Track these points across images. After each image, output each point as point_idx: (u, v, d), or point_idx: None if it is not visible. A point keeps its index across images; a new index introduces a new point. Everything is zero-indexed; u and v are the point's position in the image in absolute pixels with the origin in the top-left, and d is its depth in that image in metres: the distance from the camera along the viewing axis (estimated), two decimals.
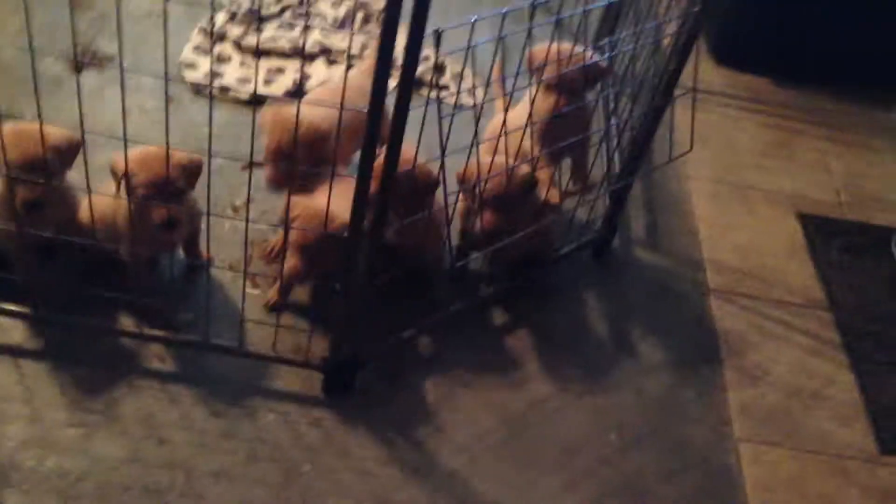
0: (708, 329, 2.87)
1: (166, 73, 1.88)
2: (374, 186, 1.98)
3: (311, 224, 2.24)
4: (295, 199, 2.27)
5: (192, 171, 2.29)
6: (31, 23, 1.80)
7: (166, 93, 2.00)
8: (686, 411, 2.60)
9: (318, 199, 2.29)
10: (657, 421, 2.55)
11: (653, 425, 2.54)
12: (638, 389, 2.63)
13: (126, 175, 2.18)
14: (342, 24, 3.92)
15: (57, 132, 2.23)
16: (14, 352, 2.34)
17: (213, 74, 3.45)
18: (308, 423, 2.35)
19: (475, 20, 1.99)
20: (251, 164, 2.22)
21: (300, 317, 2.61)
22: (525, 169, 2.47)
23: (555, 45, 2.40)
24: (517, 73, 2.27)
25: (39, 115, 1.99)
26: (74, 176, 2.45)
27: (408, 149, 2.04)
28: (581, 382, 2.61)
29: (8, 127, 2.16)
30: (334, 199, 2.09)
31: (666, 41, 2.68)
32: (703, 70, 3.95)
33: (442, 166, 2.19)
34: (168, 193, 2.22)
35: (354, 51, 3.73)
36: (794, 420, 2.62)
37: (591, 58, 2.58)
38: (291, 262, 2.30)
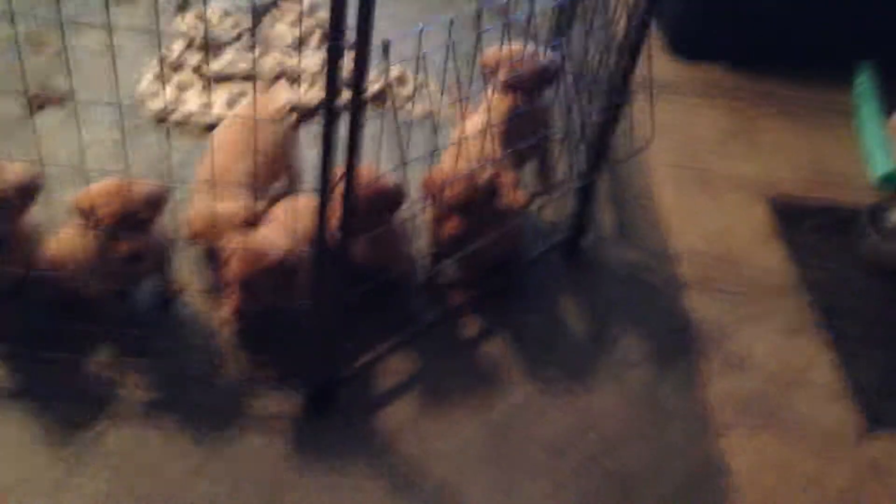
0: (684, 320, 2.88)
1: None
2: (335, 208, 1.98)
3: (248, 258, 2.23)
4: (233, 234, 2.27)
5: (155, 202, 2.27)
6: None
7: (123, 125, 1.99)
8: (668, 404, 2.60)
9: (255, 233, 2.29)
10: (640, 416, 2.55)
11: (636, 421, 2.54)
12: (619, 386, 2.63)
13: (89, 209, 2.17)
14: (301, 44, 3.92)
15: (16, 168, 2.21)
16: None
17: (175, 103, 3.44)
18: (292, 445, 2.33)
19: (423, 28, 1.99)
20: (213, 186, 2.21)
21: (277, 338, 2.59)
22: (487, 173, 2.47)
23: (506, 46, 2.40)
24: (472, 79, 2.28)
25: None
26: (39, 213, 2.44)
27: (368, 165, 2.04)
28: (561, 383, 2.61)
29: None
30: (272, 230, 2.09)
31: (618, 36, 2.69)
32: (658, 64, 3.97)
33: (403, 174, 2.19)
34: (131, 226, 2.20)
35: (315, 69, 3.72)
36: (776, 404, 2.63)
37: (543, 57, 2.59)
38: (233, 297, 2.28)
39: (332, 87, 1.82)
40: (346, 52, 1.77)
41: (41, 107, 3.29)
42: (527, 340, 2.72)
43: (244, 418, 2.37)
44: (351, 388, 2.47)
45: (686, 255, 3.11)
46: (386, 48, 1.94)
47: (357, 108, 1.87)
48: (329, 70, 1.80)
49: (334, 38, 1.77)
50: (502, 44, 2.34)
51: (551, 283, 2.93)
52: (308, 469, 2.28)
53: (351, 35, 1.75)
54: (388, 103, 3.34)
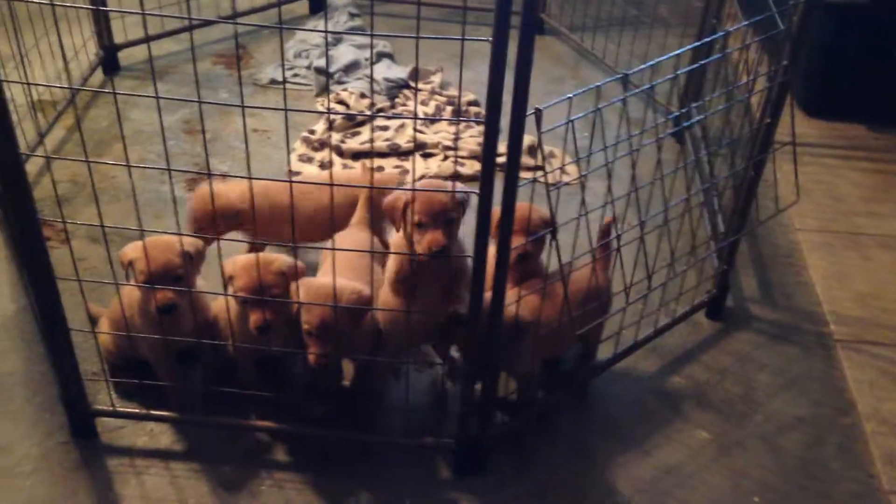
0: (838, 380, 2.79)
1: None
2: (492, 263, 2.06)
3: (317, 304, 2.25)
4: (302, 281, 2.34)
5: (292, 277, 2.36)
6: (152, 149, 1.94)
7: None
8: (829, 466, 2.51)
9: (321, 280, 2.34)
10: (800, 479, 2.47)
11: (796, 484, 2.46)
12: (775, 447, 2.56)
13: (228, 279, 2.31)
14: (433, 119, 4.10)
15: (186, 240, 2.38)
16: (164, 455, 2.45)
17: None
18: None
19: (572, 96, 2.08)
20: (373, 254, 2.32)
21: (426, 400, 2.65)
22: None
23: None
24: (615, 144, 2.33)
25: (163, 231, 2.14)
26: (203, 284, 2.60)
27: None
28: (713, 444, 2.56)
29: (144, 240, 2.30)
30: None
31: (755, 98, 2.71)
32: (795, 123, 3.95)
33: (553, 237, 2.24)
34: (266, 298, 2.27)
35: (448, 142, 3.87)
36: None
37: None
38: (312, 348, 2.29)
39: (490, 149, 1.91)
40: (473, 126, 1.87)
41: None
42: (672, 400, 2.70)
43: (400, 480, 2.42)
44: (499, 447, 2.49)
45: (836, 315, 3.02)
46: (538, 117, 2.03)
47: (514, 172, 1.95)
48: (487, 138, 1.90)
49: (492, 109, 1.87)
50: (646, 110, 2.39)
51: (696, 342, 2.91)
52: None
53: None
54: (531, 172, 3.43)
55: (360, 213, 2.78)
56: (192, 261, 2.39)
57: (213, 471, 2.41)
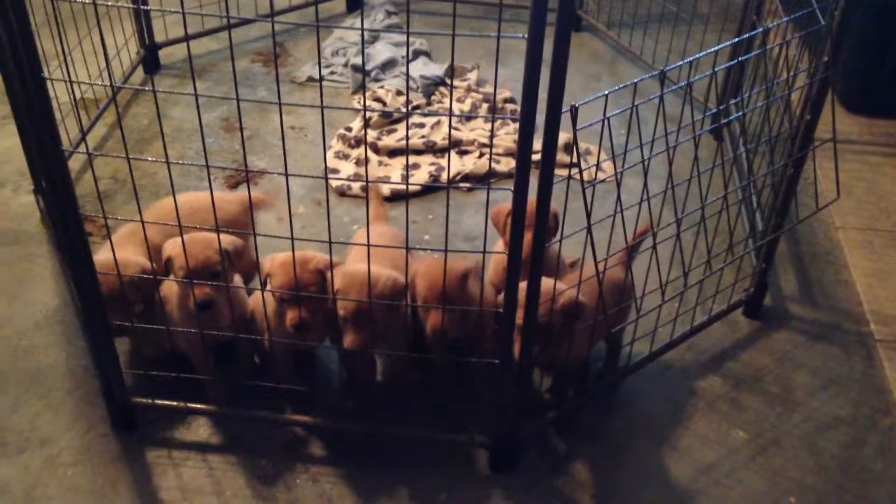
0: (879, 381, 2.75)
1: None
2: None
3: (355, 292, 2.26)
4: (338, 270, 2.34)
5: (324, 276, 2.36)
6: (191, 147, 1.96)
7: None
8: (869, 467, 2.47)
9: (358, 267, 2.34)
10: (839, 479, 2.44)
11: (834, 484, 2.43)
12: (813, 448, 2.53)
13: (265, 277, 2.33)
14: (469, 116, 4.10)
15: (225, 237, 2.41)
16: (201, 447, 2.49)
17: (355, 176, 3.66)
18: (478, 502, 2.37)
19: (608, 93, 2.07)
20: (407, 249, 2.33)
21: (461, 395, 2.66)
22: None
23: None
24: (651, 141, 2.32)
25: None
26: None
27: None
28: (749, 444, 2.54)
29: (183, 237, 2.34)
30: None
31: (795, 95, 2.68)
32: (837, 120, 3.88)
33: (589, 232, 2.24)
34: (300, 297, 2.29)
35: (483, 139, 3.87)
36: None
37: None
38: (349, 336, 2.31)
39: (526, 152, 1.91)
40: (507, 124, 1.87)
41: (238, 184, 3.58)
42: (709, 399, 2.68)
43: (435, 475, 2.43)
44: (533, 445, 2.50)
45: (878, 315, 2.98)
46: (574, 114, 2.02)
47: (549, 169, 1.95)
48: (522, 135, 1.90)
49: (528, 107, 1.86)
50: (683, 105, 2.37)
51: (733, 341, 2.88)
52: None
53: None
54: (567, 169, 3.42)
55: (374, 210, 2.80)
56: (230, 257, 2.42)
57: (249, 463, 2.44)
